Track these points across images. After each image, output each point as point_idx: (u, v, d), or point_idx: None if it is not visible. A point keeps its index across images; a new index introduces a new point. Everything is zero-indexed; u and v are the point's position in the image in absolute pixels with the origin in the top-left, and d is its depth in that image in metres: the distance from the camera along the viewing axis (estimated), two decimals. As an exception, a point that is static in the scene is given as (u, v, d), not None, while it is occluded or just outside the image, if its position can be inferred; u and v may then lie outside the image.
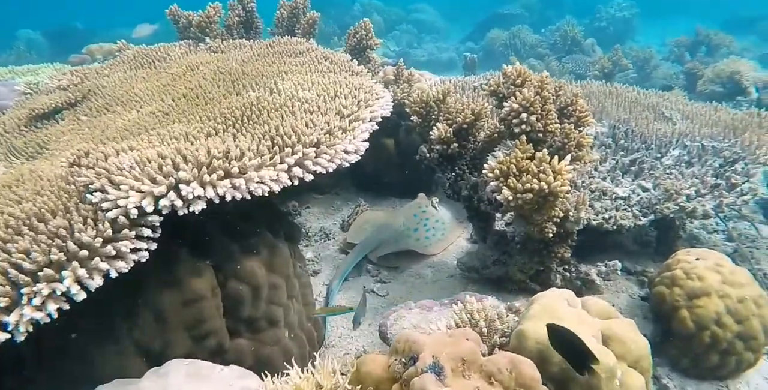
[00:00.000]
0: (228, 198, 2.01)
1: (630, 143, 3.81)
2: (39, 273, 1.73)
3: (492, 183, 2.53)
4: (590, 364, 1.71)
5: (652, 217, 3.30)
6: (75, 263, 1.76)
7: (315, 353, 2.73)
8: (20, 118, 3.50)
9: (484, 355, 1.70)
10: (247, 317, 2.42)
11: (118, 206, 1.88)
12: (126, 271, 1.86)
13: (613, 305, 2.44)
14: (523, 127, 2.64)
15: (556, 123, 2.69)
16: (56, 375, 2.06)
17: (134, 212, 1.87)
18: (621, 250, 3.76)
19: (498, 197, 2.51)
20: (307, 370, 1.91)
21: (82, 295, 1.75)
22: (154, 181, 1.95)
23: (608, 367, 1.82)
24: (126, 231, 1.89)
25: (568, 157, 2.44)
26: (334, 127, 2.41)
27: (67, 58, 7.91)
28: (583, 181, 3.41)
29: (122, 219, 1.89)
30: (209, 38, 4.39)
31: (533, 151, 2.53)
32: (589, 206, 3.17)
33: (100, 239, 1.83)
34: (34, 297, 1.69)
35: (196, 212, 1.96)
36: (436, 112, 3.37)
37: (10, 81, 5.24)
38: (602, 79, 6.62)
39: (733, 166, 3.35)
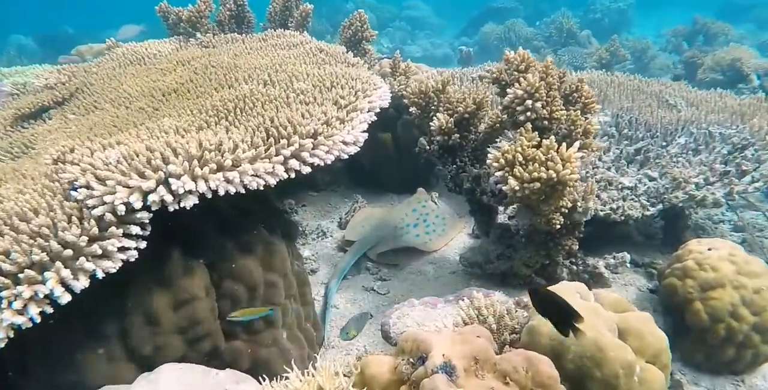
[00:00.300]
0: (221, 192, 1.91)
1: (634, 132, 3.71)
2: (20, 275, 1.63)
3: (497, 173, 2.43)
4: (575, 322, 1.62)
5: (660, 206, 3.21)
6: (58, 264, 1.66)
7: (315, 355, 2.64)
8: (5, 118, 3.41)
9: (496, 354, 1.60)
10: (244, 318, 2.32)
11: (104, 203, 1.78)
12: (114, 271, 1.77)
13: (622, 298, 2.34)
14: (528, 114, 2.54)
15: (561, 109, 2.59)
16: (42, 382, 1.96)
17: (121, 208, 1.77)
18: (627, 242, 3.66)
19: (504, 188, 2.41)
20: (307, 373, 1.81)
21: (66, 298, 1.66)
22: (142, 175, 1.84)
23: (627, 362, 1.73)
24: (113, 229, 1.79)
25: (577, 143, 2.34)
26: (332, 117, 2.31)
27: (57, 62, 7.78)
28: (587, 172, 3.32)
29: (109, 216, 1.79)
30: (200, 33, 4.30)
31: (539, 139, 2.43)
32: (596, 197, 3.07)
33: (86, 238, 1.73)
34: (15, 300, 1.59)
35: (188, 208, 1.86)
36: (435, 103, 3.27)
37: (-3, 82, 5.13)
38: (600, 70, 6.53)
39: (742, 152, 3.26)
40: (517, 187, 2.33)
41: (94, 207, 1.79)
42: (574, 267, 3.13)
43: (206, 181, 1.87)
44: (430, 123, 3.15)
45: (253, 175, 1.96)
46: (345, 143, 2.25)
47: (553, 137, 2.34)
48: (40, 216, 1.80)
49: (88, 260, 1.71)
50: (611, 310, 2.00)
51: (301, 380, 1.78)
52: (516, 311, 2.13)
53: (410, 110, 3.41)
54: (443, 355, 1.48)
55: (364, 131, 2.39)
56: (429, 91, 3.24)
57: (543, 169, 2.26)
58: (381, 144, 4.47)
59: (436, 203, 4.19)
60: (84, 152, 2.05)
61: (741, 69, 6.71)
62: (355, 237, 3.89)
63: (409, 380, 1.54)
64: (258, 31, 4.68)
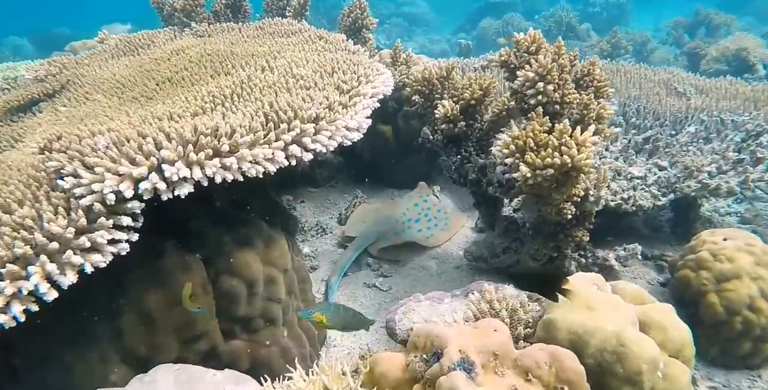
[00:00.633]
0: (218, 180, 1.79)
1: (642, 121, 3.62)
2: (2, 270, 1.51)
3: (507, 160, 2.32)
4: (561, 285, 1.56)
5: (671, 196, 3.11)
6: (44, 257, 1.54)
7: (319, 353, 2.53)
8: (-6, 112, 3.28)
9: (514, 349, 1.49)
10: (243, 316, 2.21)
11: (92, 192, 1.67)
12: (104, 265, 1.65)
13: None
14: (539, 97, 2.42)
15: (574, 93, 2.48)
16: (30, 385, 1.85)
17: (111, 198, 1.65)
18: (635, 234, 3.56)
19: (514, 175, 2.29)
20: (311, 372, 1.70)
21: (53, 294, 1.54)
22: (133, 161, 1.72)
23: (651, 356, 1.63)
24: (102, 220, 1.67)
25: (592, 127, 2.22)
26: (334, 102, 2.19)
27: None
28: (594, 162, 3.22)
29: (98, 206, 1.67)
30: (195, 23, 4.19)
31: (550, 124, 2.32)
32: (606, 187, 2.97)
33: (73, 230, 1.61)
34: (-4, 297, 1.47)
35: (183, 197, 1.75)
36: (439, 90, 3.16)
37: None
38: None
39: (757, 139, 3.16)
40: (528, 175, 2.22)
41: (81, 196, 1.67)
42: (583, 260, 3.02)
43: (202, 167, 1.76)
44: (435, 111, 3.04)
45: (251, 162, 1.85)
46: (348, 129, 2.14)
47: (566, 121, 2.23)
48: (24, 207, 1.69)
49: (75, 254, 1.59)
50: (631, 302, 1.89)
51: (305, 380, 1.67)
52: (529, 305, 2.03)
53: (413, 99, 3.30)
54: (460, 350, 1.37)
55: (368, 117, 2.27)
56: (433, 78, 3.12)
57: (557, 154, 2.15)
58: (381, 137, 4.36)
59: (437, 197, 4.10)
60: (72, 139, 1.93)
61: (747, 58, 6.60)
62: (356, 233, 3.79)
63: (423, 378, 1.43)
64: (254, 21, 4.58)
